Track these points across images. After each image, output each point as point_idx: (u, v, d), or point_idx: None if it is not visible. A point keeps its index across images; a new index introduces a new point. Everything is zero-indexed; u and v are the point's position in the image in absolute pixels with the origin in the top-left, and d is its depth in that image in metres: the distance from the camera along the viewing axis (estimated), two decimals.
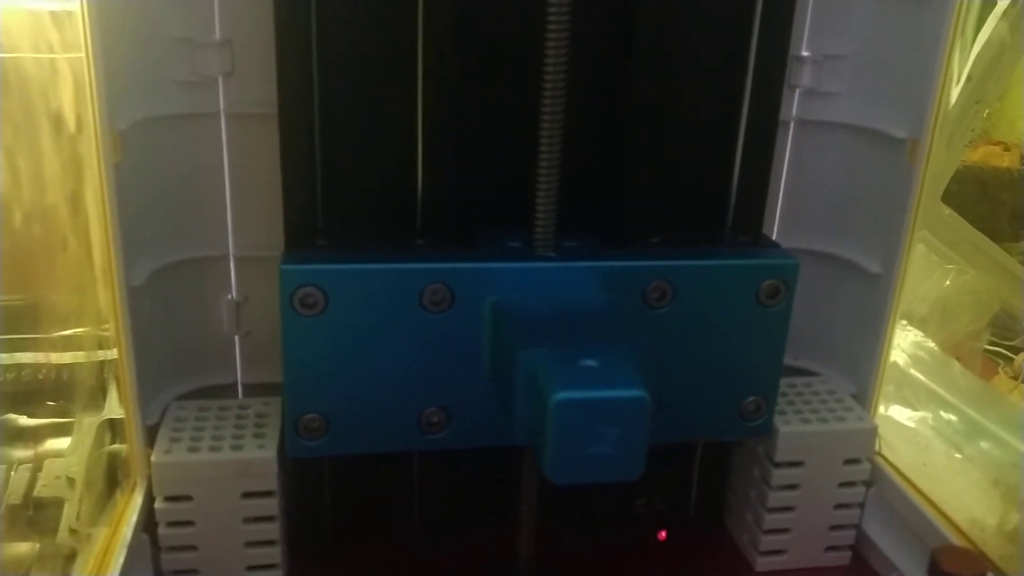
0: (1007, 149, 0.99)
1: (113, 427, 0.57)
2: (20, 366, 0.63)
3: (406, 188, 0.48)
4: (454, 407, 0.48)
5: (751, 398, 0.51)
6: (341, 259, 0.45)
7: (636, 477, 0.38)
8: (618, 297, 0.47)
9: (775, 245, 0.52)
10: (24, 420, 0.61)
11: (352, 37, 0.46)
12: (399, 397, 0.47)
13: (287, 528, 0.53)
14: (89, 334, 0.57)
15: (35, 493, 0.58)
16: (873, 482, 0.56)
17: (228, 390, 0.57)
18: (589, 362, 0.40)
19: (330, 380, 0.46)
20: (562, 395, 0.37)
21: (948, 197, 0.80)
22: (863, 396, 0.58)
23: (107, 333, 0.53)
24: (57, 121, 0.47)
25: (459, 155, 0.47)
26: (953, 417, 0.68)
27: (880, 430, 0.56)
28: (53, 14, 0.45)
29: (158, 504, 0.49)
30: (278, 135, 0.46)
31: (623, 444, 0.38)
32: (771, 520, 0.55)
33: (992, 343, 0.82)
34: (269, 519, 0.50)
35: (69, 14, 0.44)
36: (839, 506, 0.56)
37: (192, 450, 0.49)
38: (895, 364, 0.68)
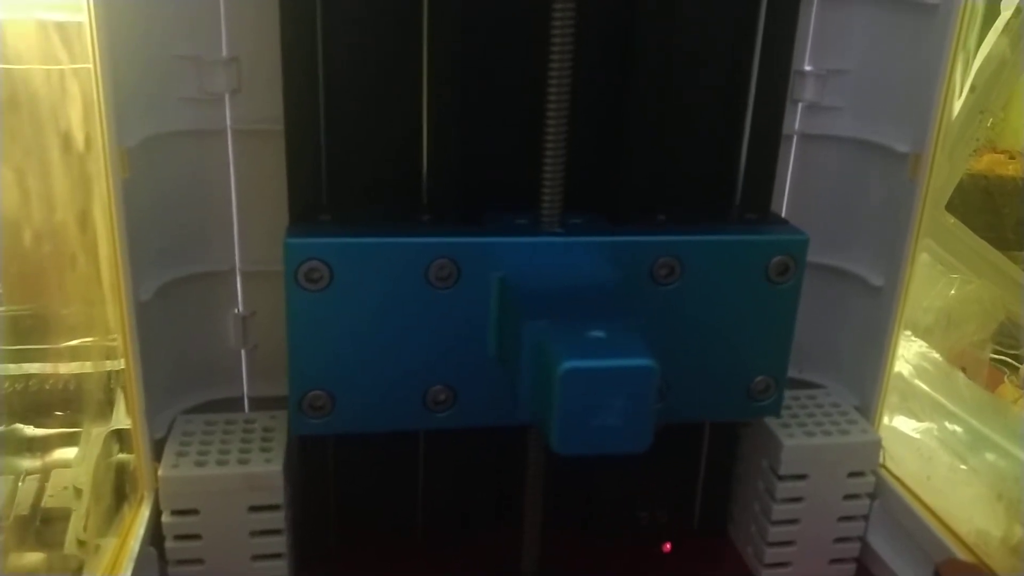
0: (1012, 157, 0.99)
1: (120, 438, 0.58)
2: (28, 376, 0.63)
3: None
4: (460, 385, 0.47)
5: (760, 377, 0.50)
6: (347, 233, 0.45)
7: (643, 449, 0.38)
8: (626, 273, 0.46)
9: (784, 222, 0.52)
10: (31, 430, 0.62)
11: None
12: (405, 374, 0.47)
13: (292, 540, 0.53)
14: (97, 345, 0.57)
15: (43, 504, 0.58)
16: (877, 494, 0.57)
17: (235, 404, 0.57)
18: (596, 333, 0.39)
19: (335, 356, 0.46)
20: (569, 364, 0.37)
21: (952, 206, 0.80)
22: (867, 408, 0.58)
23: (115, 343, 0.53)
24: (66, 138, 0.47)
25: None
26: (958, 428, 0.68)
27: (884, 442, 0.57)
28: (61, 26, 0.46)
29: (165, 518, 0.50)
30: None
31: (631, 415, 0.37)
32: (775, 532, 0.56)
33: (997, 352, 0.82)
34: (276, 532, 0.51)
35: (78, 27, 0.44)
36: (843, 519, 0.56)
37: (199, 464, 0.50)
38: (899, 375, 0.68)
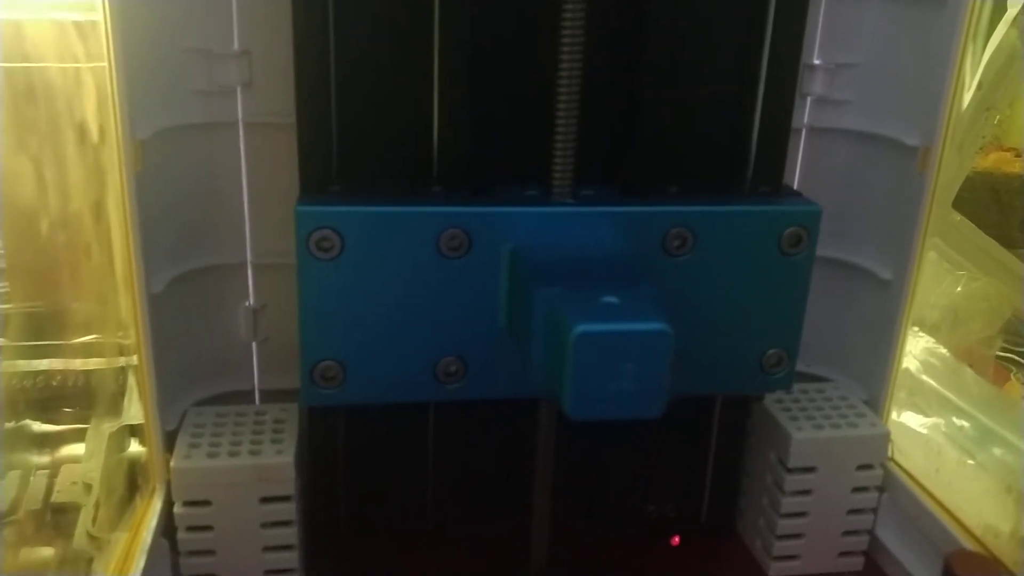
0: (1018, 155, 0.99)
1: (132, 432, 0.58)
2: (36, 372, 0.63)
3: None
4: (471, 356, 0.47)
5: (772, 350, 0.50)
6: (358, 201, 0.45)
7: (657, 415, 0.37)
8: (637, 244, 0.46)
9: (796, 194, 0.51)
10: (40, 426, 0.62)
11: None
12: (416, 344, 0.46)
13: (303, 531, 0.53)
14: (108, 341, 0.57)
15: (52, 499, 0.58)
16: (886, 488, 0.57)
17: (246, 396, 0.58)
18: (610, 298, 0.39)
19: (346, 326, 0.46)
20: (583, 327, 0.36)
21: (959, 203, 0.80)
22: (875, 402, 0.58)
23: (126, 340, 0.54)
24: (81, 131, 0.48)
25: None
26: (965, 423, 0.68)
27: (893, 436, 0.57)
28: (78, 25, 0.46)
29: (177, 509, 0.50)
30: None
31: (644, 379, 0.37)
32: (784, 525, 0.56)
33: (1004, 349, 0.82)
34: (287, 524, 0.51)
35: (93, 24, 0.44)
36: (852, 512, 0.56)
37: (211, 455, 0.50)
38: (907, 370, 0.68)
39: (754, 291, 0.48)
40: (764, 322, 0.49)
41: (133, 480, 0.55)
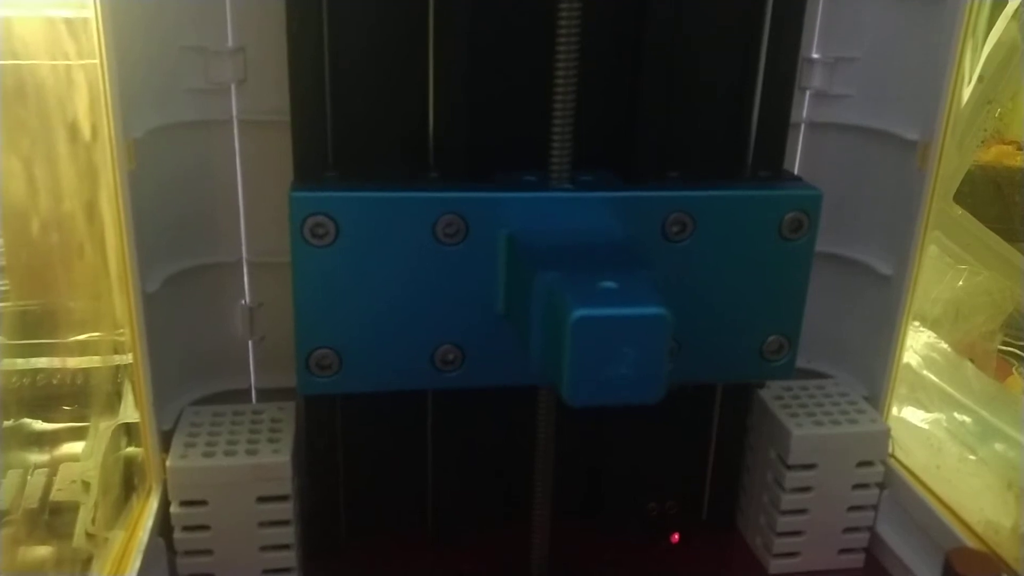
0: (1020, 149, 0.99)
1: (129, 431, 0.58)
2: (36, 371, 0.63)
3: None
4: (468, 344, 0.47)
5: (773, 337, 0.49)
6: (353, 187, 0.45)
7: (656, 400, 0.37)
8: (637, 230, 0.46)
9: (797, 179, 0.51)
10: (39, 424, 0.62)
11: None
12: (412, 332, 0.46)
13: (300, 530, 0.53)
14: (105, 339, 0.57)
15: (51, 497, 0.58)
16: (887, 484, 0.56)
17: (242, 395, 0.57)
18: (608, 283, 0.38)
19: (342, 313, 0.45)
20: (580, 312, 0.36)
21: (961, 197, 0.80)
22: (876, 398, 0.58)
23: (122, 338, 0.53)
24: (73, 130, 0.48)
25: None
26: (967, 419, 0.68)
27: (893, 432, 0.56)
28: (68, 21, 0.46)
29: (174, 509, 0.50)
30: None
31: (643, 364, 0.37)
32: (784, 523, 0.55)
33: (1006, 343, 0.81)
34: (284, 523, 0.51)
35: (85, 22, 0.44)
36: (852, 508, 0.56)
37: (207, 455, 0.50)
38: (908, 366, 0.68)
39: (754, 277, 0.48)
40: (765, 308, 0.49)
41: (129, 479, 0.55)
